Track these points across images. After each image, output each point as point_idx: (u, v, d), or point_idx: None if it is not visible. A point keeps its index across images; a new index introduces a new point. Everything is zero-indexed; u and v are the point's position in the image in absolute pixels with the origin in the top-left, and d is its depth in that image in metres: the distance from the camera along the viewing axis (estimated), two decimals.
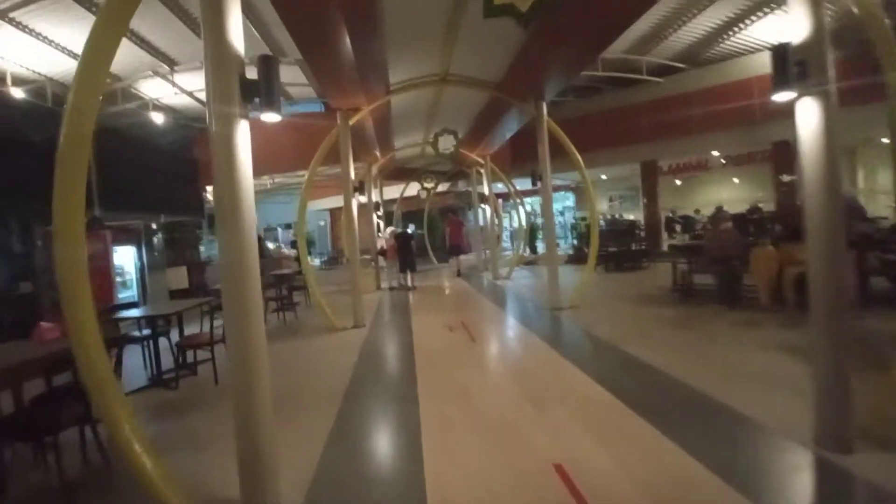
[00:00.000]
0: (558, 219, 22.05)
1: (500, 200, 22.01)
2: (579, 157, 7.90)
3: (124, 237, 8.13)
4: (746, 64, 13.00)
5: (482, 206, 13.36)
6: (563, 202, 25.12)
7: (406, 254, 12.28)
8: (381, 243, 15.88)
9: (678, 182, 16.98)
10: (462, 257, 20.25)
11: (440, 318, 7.77)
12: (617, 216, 18.67)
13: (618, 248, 13.29)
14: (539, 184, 7.95)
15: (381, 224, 17.82)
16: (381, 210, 16.98)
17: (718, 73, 13.41)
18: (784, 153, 13.22)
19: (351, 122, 7.43)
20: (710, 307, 7.08)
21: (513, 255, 16.47)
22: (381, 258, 12.86)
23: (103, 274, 7.38)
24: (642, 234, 15.86)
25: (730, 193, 16.88)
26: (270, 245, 18.41)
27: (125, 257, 8.16)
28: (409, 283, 11.90)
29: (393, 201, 19.52)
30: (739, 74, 13.11)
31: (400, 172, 17.28)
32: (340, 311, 7.70)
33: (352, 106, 7.38)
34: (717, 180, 16.95)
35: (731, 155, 14.36)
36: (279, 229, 25.88)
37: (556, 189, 22.44)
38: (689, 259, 8.18)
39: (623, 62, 13.61)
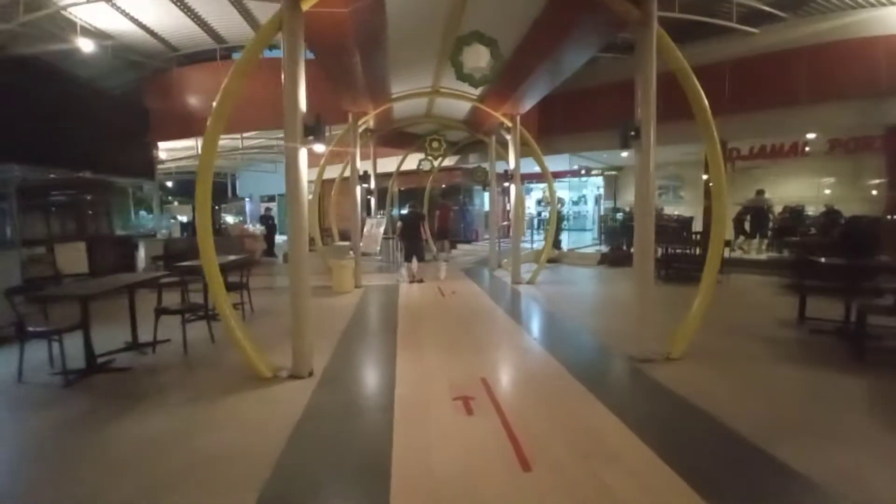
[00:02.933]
0: (588, 208, 18.70)
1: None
2: (710, 114, 4.60)
3: None
4: (874, 18, 9.57)
5: (506, 184, 9.98)
6: (580, 190, 21.68)
7: (413, 238, 9.71)
8: (367, 227, 12.61)
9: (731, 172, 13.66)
10: (468, 246, 17.03)
11: (444, 364, 4.51)
12: (660, 210, 15.38)
13: (669, 252, 10.07)
14: (633, 144, 4.60)
15: (372, 202, 14.49)
16: (373, 184, 13.61)
17: (832, 26, 9.97)
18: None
19: (306, 6, 4.03)
20: None
21: (540, 249, 13.18)
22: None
23: None
24: (697, 236, 12.62)
25: (802, 190, 13.60)
26: (229, 219, 15.02)
27: None
28: (415, 275, 9.68)
29: (388, 176, 16.11)
30: (861, 31, 9.69)
31: (398, 138, 13.82)
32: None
33: None
34: (786, 172, 13.59)
35: (838, 138, 10.96)
36: (247, 200, 22.35)
37: (582, 174, 19.03)
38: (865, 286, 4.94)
39: (703, 4, 10.17)
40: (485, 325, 6.28)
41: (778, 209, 12.97)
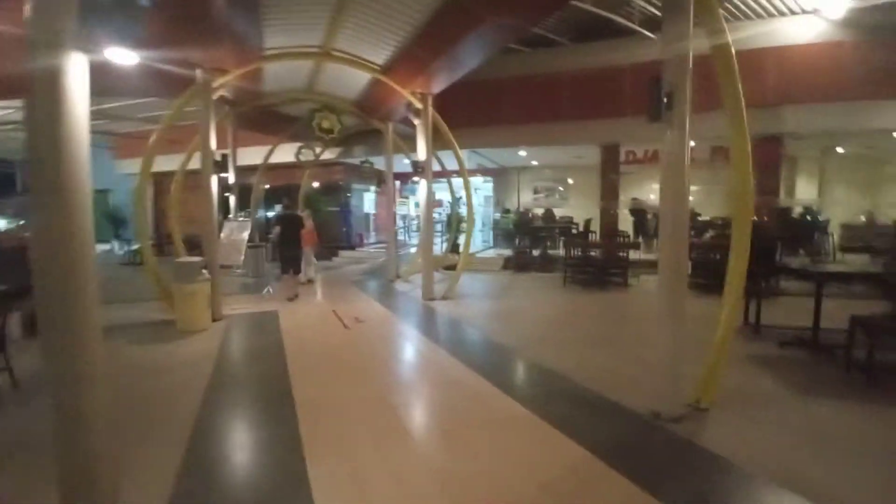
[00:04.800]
0: (478, 210, 17.83)
1: (398, 182, 16.88)
2: (743, 103, 3.46)
3: None
4: (765, 30, 10.13)
5: (414, 179, 8.16)
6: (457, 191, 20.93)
7: (292, 246, 8.03)
8: (227, 232, 9.66)
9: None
10: (351, 253, 14.90)
11: (426, 496, 2.55)
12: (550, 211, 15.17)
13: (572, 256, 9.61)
14: (665, 116, 3.24)
15: (232, 200, 11.40)
16: (233, 177, 10.56)
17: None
18: (769, 154, 10.79)
19: None
20: None
21: (441, 256, 11.63)
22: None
23: None
24: (594, 236, 12.54)
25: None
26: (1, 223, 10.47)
27: None
28: (292, 290, 8.01)
29: (251, 171, 12.95)
30: (749, 43, 10.19)
31: (267, 120, 11.00)
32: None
33: None
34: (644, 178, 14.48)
35: (721, 146, 11.59)
36: None
37: (471, 173, 18.18)
38: None
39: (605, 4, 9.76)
40: (430, 378, 4.37)
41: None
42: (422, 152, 7.82)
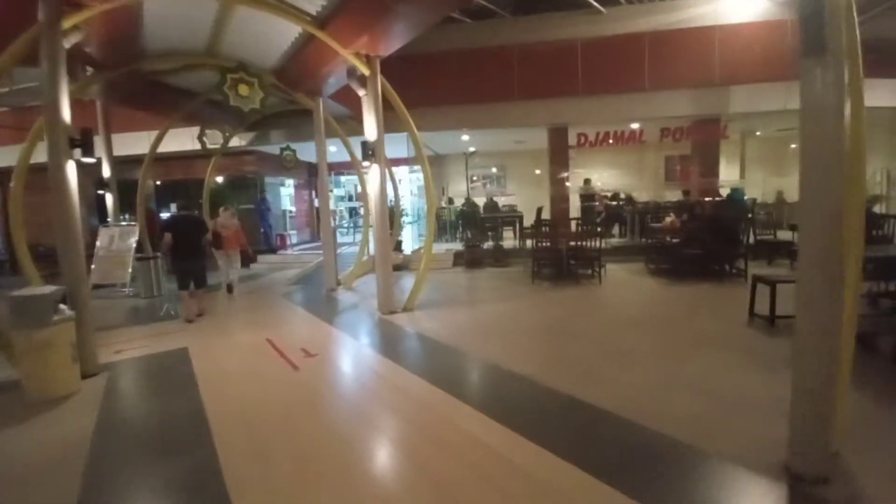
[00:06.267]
0: (414, 201, 16.33)
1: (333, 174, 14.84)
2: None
3: None
4: (709, 10, 9.86)
5: (366, 164, 6.51)
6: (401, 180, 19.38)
7: (190, 256, 6.18)
8: (104, 241, 7.32)
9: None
10: (273, 257, 12.74)
11: None
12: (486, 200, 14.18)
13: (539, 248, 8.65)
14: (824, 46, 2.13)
15: (110, 200, 8.86)
16: (107, 169, 8.06)
17: (673, 14, 9.94)
18: (710, 135, 10.77)
19: None
20: None
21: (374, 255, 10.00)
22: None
23: None
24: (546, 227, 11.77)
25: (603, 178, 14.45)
26: None
27: None
28: (193, 310, 6.37)
29: (135, 163, 10.24)
30: (702, 20, 9.89)
31: (152, 94, 8.52)
32: None
33: None
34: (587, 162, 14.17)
35: (667, 127, 11.30)
36: None
37: (402, 162, 16.68)
38: None
39: None
40: (453, 455, 2.91)
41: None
42: (371, 131, 6.22)
